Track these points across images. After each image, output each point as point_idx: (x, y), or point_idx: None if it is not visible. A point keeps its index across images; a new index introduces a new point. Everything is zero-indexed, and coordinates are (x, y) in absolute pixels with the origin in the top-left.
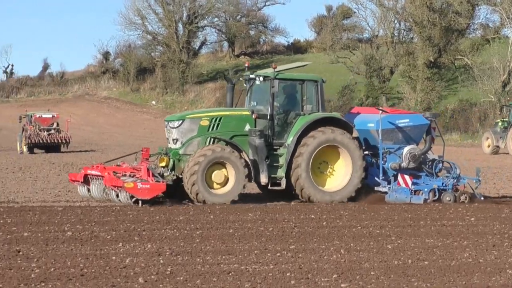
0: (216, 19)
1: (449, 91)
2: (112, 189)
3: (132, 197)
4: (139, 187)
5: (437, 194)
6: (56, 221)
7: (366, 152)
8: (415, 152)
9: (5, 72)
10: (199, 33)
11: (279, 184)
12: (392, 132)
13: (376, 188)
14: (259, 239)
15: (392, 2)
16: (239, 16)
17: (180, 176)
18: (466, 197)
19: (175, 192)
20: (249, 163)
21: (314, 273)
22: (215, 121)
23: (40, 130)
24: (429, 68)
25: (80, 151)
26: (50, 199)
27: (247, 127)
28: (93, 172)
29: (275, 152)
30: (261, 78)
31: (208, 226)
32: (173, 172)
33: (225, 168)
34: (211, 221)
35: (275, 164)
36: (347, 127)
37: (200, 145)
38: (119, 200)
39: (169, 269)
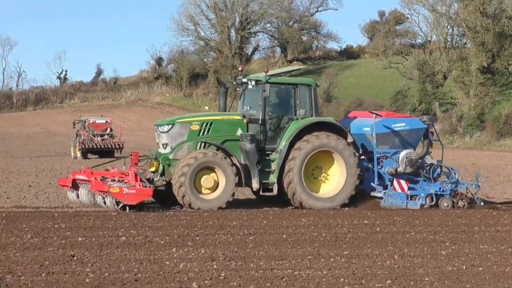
0: (269, 25)
1: (503, 96)
2: (99, 194)
3: (118, 202)
4: (124, 192)
5: (434, 199)
6: (110, 226)
7: (363, 157)
8: (411, 157)
9: (59, 77)
10: (252, 38)
11: (271, 190)
12: (388, 136)
13: (371, 194)
14: (313, 245)
15: (445, 7)
16: (291, 22)
17: (170, 181)
18: (464, 203)
19: (167, 198)
20: (240, 168)
21: (368, 279)
22: (206, 125)
23: (94, 136)
24: (483, 73)
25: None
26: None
27: (239, 132)
28: (81, 177)
29: (267, 157)
30: (253, 82)
31: (261, 232)
32: (162, 177)
33: (215, 173)
34: (264, 226)
35: (266, 170)
36: (341, 132)
37: (191, 150)
38: (106, 205)
39: (222, 274)
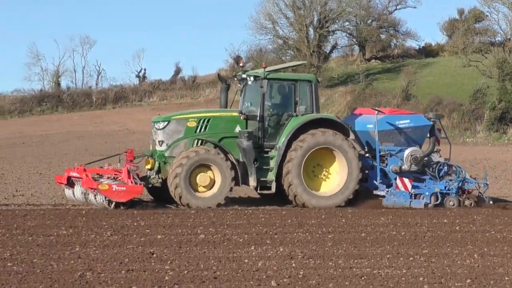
0: (347, 23)
1: None
2: (90, 192)
3: (108, 200)
4: (114, 189)
5: (439, 198)
6: (189, 224)
7: (367, 155)
8: (416, 155)
9: (137, 76)
10: (330, 37)
11: (269, 188)
12: (391, 133)
13: (374, 192)
14: (392, 243)
15: None
16: (370, 20)
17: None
18: (471, 202)
19: (164, 195)
20: (236, 166)
21: (447, 278)
22: (203, 122)
23: None
24: None
25: None
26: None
27: (238, 129)
28: (74, 174)
29: (265, 155)
30: (252, 78)
31: (340, 230)
32: (158, 174)
33: (211, 170)
34: (343, 225)
35: (265, 167)
36: (343, 129)
37: (187, 147)
38: (98, 203)
39: (301, 273)
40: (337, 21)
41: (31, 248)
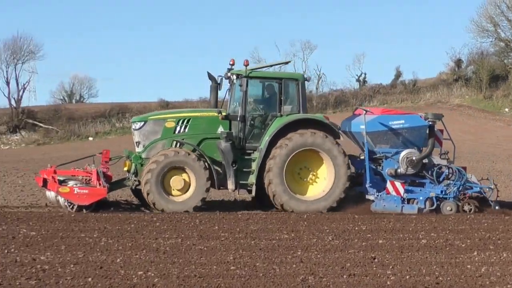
0: None
1: None
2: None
3: (70, 203)
4: (75, 192)
5: (435, 203)
6: (410, 228)
7: (362, 157)
8: (413, 157)
9: (358, 80)
10: None
11: (250, 191)
12: (385, 134)
13: (367, 196)
14: None
15: None
16: None
17: None
18: (471, 207)
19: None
20: (211, 167)
21: None
22: (182, 122)
23: None
24: None
25: None
26: None
27: (220, 130)
28: (45, 176)
29: (247, 157)
30: (234, 77)
31: None
32: (135, 177)
33: (186, 173)
34: None
35: (245, 170)
36: (332, 131)
37: (165, 149)
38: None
39: None
40: None
41: (254, 252)
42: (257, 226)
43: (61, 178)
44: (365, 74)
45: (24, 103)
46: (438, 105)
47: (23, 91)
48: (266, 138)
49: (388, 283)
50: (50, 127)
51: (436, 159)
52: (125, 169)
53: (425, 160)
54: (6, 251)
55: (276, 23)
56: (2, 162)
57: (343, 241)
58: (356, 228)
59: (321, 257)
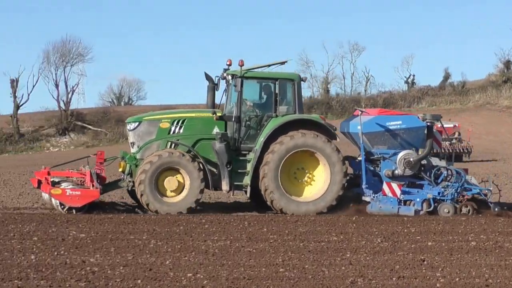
0: None
1: None
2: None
3: (62, 204)
4: (68, 193)
5: (432, 204)
6: (459, 231)
7: (359, 158)
8: (410, 158)
9: (406, 82)
10: None
11: (245, 192)
12: (382, 135)
13: (363, 198)
14: None
15: None
16: None
17: None
18: (469, 209)
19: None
20: (206, 168)
21: None
22: (178, 123)
23: (442, 140)
24: None
25: (481, 161)
26: None
27: (216, 130)
28: (39, 178)
29: (242, 158)
30: (229, 77)
31: None
32: (130, 178)
33: (180, 174)
34: None
35: (240, 171)
36: (327, 131)
37: (160, 149)
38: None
39: None
40: None
41: (303, 254)
42: (305, 228)
43: (57, 180)
44: (413, 75)
45: (73, 106)
46: (487, 107)
47: (72, 94)
48: (261, 139)
49: (438, 285)
50: (99, 129)
51: (435, 161)
52: (120, 170)
53: (424, 161)
54: (56, 253)
55: (324, 24)
56: (51, 164)
57: (392, 243)
58: (405, 230)
59: (370, 259)
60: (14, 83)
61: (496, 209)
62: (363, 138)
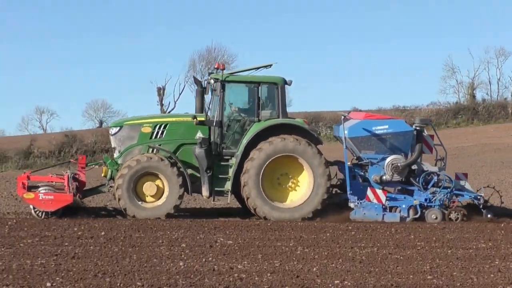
0: None
1: None
2: None
3: (35, 208)
4: (40, 198)
5: (419, 211)
6: None
7: (349, 163)
8: (397, 163)
9: None
10: None
11: (226, 198)
12: (369, 140)
13: (349, 204)
14: None
15: None
16: None
17: None
18: (458, 215)
19: None
20: (186, 174)
21: None
22: (159, 128)
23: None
24: None
25: None
26: None
27: (199, 135)
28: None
29: (224, 163)
30: (212, 81)
31: None
32: (111, 182)
33: (160, 179)
34: None
35: (221, 176)
36: (310, 136)
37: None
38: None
39: None
40: None
41: (451, 261)
42: (453, 235)
43: (39, 184)
44: None
45: None
46: None
47: None
48: (242, 144)
49: None
50: None
51: (426, 166)
52: (103, 175)
53: (414, 167)
54: (204, 259)
55: (470, 30)
56: None
57: None
58: None
59: None
60: (160, 91)
61: (489, 215)
62: (349, 142)
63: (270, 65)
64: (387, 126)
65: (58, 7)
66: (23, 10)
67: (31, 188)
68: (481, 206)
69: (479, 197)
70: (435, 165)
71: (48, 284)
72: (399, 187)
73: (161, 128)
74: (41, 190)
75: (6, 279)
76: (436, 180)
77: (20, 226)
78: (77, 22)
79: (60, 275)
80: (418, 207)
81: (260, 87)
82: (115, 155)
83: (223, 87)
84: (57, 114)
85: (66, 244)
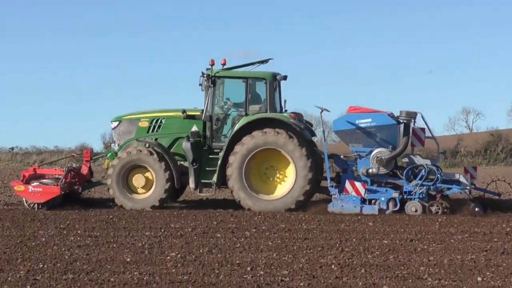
0: None
1: None
2: None
3: (26, 200)
4: (30, 190)
5: (398, 203)
6: None
7: (342, 156)
8: (382, 156)
9: None
10: None
11: (213, 190)
12: (354, 133)
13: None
14: None
15: None
16: None
17: None
18: (438, 208)
19: None
20: (174, 167)
21: None
22: (156, 122)
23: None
24: None
25: None
26: None
27: (195, 129)
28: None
29: (213, 156)
30: (204, 77)
31: None
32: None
33: (149, 172)
34: None
35: (209, 169)
36: (294, 130)
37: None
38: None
39: None
40: None
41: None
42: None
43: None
44: None
45: None
46: None
47: None
48: (228, 137)
49: None
50: None
51: (418, 159)
52: (105, 167)
53: (405, 159)
54: None
55: None
56: None
57: None
58: None
59: None
60: None
61: (477, 209)
62: (323, 136)
63: (267, 61)
64: (370, 120)
65: None
66: None
67: (30, 180)
68: (467, 199)
69: (466, 190)
70: (437, 157)
71: (479, 279)
72: (389, 180)
73: (158, 123)
74: (32, 183)
75: (438, 273)
76: (424, 173)
77: (450, 222)
78: None
79: (490, 270)
80: (397, 199)
81: (248, 82)
82: (116, 148)
83: (213, 83)
84: (482, 114)
85: (495, 240)
